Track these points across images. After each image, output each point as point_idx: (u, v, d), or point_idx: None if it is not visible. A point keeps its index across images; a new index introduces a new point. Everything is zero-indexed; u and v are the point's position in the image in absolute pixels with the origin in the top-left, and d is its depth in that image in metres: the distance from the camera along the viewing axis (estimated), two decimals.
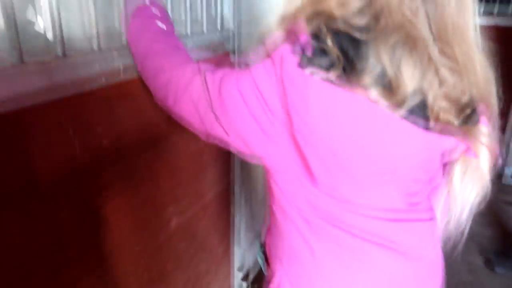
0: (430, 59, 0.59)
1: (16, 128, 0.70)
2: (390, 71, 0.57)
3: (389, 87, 0.58)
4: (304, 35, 0.61)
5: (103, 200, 0.92)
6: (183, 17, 1.20)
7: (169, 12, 1.12)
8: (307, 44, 0.60)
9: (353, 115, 0.61)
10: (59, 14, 0.76)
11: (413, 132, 0.61)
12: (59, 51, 0.77)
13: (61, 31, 0.77)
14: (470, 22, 0.63)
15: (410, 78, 0.58)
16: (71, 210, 0.84)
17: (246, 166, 1.75)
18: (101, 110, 0.88)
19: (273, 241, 0.86)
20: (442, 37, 0.61)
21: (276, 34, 0.66)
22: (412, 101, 0.59)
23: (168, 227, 1.21)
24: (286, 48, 0.62)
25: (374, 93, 0.58)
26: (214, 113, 0.72)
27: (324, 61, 0.59)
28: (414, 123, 0.60)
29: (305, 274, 0.79)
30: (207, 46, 1.29)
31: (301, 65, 0.60)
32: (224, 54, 1.40)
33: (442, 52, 0.60)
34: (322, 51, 0.59)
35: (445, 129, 0.62)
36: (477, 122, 0.65)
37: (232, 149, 0.77)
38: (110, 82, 0.89)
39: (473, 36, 0.64)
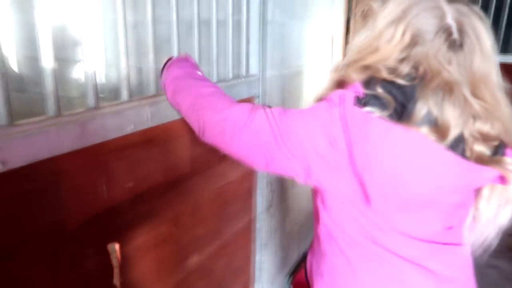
0: (465, 99, 0.70)
1: (51, 173, 0.76)
2: (435, 111, 0.69)
3: (435, 124, 0.69)
4: (356, 84, 0.74)
5: (125, 239, 0.97)
6: (211, 60, 1.27)
7: (198, 57, 1.18)
8: (359, 91, 0.73)
9: (408, 148, 0.71)
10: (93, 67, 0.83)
11: (457, 161, 0.71)
12: (92, 102, 0.84)
13: (96, 83, 0.84)
14: (492, 69, 0.75)
15: (452, 116, 0.69)
16: (95, 249, 0.88)
17: (272, 202, 1.76)
18: (127, 155, 0.94)
19: (315, 259, 0.94)
20: (472, 82, 0.73)
21: (330, 83, 0.80)
22: (453, 135, 0.69)
23: (186, 265, 1.24)
24: (343, 91, 0.74)
25: (424, 129, 0.69)
26: (280, 144, 0.77)
27: (378, 103, 0.71)
28: (456, 153, 0.70)
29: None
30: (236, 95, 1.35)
31: (358, 105, 0.71)
32: (249, 99, 1.46)
33: (473, 93, 0.72)
34: (374, 96, 0.71)
35: (479, 159, 0.71)
36: (503, 153, 0.73)
37: (288, 176, 0.82)
38: (137, 129, 0.95)
39: (495, 80, 0.75)
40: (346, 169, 0.75)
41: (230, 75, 1.36)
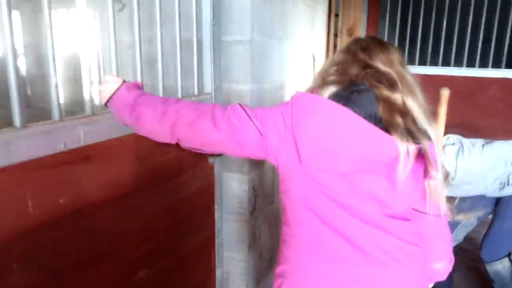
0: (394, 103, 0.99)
1: None
2: (371, 108, 0.97)
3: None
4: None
5: (58, 254, 0.97)
6: (160, 83, 1.29)
7: (144, 78, 1.21)
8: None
9: (331, 114, 0.95)
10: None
11: (372, 130, 0.93)
12: (18, 123, 0.86)
13: (22, 103, 0.86)
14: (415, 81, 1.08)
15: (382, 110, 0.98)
16: (20, 264, 0.89)
17: (256, 205, 1.78)
18: (60, 173, 0.95)
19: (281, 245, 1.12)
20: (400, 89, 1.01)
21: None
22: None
23: (134, 280, 1.24)
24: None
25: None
26: (253, 122, 1.02)
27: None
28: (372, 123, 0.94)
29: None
30: None
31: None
32: None
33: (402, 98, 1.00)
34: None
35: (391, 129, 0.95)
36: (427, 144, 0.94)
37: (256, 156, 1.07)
38: (70, 148, 0.96)
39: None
40: (289, 138, 0.98)
41: (179, 94, 1.38)
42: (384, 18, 4.09)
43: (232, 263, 2.31)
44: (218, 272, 1.71)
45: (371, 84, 1.03)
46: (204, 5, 1.45)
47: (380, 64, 1.07)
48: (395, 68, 1.08)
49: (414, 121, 1.00)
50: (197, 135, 1.05)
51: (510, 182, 2.17)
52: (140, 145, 1.19)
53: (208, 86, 1.51)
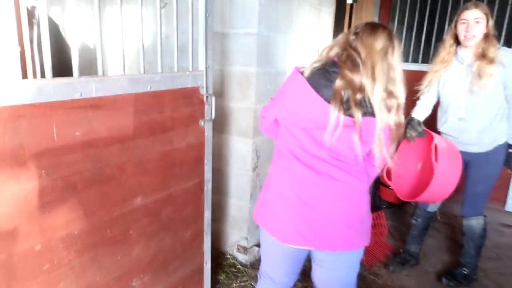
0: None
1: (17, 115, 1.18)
2: (338, 84, 1.31)
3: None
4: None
5: (73, 172, 1.37)
6: (159, 60, 1.67)
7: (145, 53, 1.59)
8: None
9: (302, 93, 1.37)
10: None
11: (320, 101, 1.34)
12: (49, 75, 1.26)
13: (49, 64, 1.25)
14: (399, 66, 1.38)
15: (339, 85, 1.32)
16: (49, 173, 1.29)
17: (258, 164, 2.14)
18: (76, 113, 1.35)
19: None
20: (361, 71, 1.33)
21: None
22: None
23: (130, 202, 1.63)
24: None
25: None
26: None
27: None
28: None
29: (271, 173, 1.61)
30: (180, 84, 1.74)
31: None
32: (195, 88, 1.83)
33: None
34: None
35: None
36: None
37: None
38: (84, 97, 1.35)
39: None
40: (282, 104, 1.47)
41: (176, 69, 1.75)
42: (394, 20, 4.27)
43: (237, 209, 2.78)
44: (206, 214, 2.08)
45: (340, 65, 1.33)
46: (200, 1, 1.79)
47: (358, 46, 1.31)
48: (370, 53, 1.29)
49: (367, 100, 1.31)
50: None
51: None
52: (138, 102, 1.57)
53: (202, 66, 1.86)
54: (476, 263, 2.69)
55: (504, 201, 3.96)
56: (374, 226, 3.22)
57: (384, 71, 1.29)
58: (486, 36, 2.19)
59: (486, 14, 2.18)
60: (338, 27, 4.49)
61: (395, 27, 4.30)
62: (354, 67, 1.31)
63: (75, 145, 1.37)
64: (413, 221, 2.80)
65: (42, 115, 1.26)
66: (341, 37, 1.43)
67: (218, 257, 2.76)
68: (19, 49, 1.26)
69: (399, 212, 3.76)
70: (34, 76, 1.65)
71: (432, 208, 2.71)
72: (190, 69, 1.83)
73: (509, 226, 3.64)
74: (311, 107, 1.36)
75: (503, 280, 2.75)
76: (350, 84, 1.30)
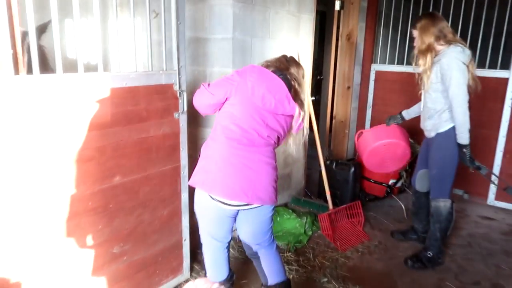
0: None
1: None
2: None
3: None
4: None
5: (67, 161, 1.67)
6: (132, 57, 1.95)
7: (120, 53, 1.88)
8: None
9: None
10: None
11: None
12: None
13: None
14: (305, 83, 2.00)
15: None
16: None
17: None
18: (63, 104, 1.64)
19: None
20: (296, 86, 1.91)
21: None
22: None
23: (110, 180, 1.91)
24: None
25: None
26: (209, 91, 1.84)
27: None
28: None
29: (204, 154, 1.91)
30: (154, 81, 2.02)
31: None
32: (168, 85, 2.11)
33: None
34: None
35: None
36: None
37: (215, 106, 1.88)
38: (69, 91, 1.65)
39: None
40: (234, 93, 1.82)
41: (152, 68, 2.04)
42: (380, 25, 4.48)
43: None
44: (183, 196, 2.35)
45: (289, 78, 1.88)
46: (172, 11, 2.07)
47: (292, 70, 1.92)
48: (299, 77, 1.93)
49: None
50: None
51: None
52: (114, 95, 1.85)
53: (175, 65, 2.14)
54: (441, 247, 2.86)
55: (486, 196, 4.08)
56: (351, 215, 3.43)
57: (304, 84, 1.98)
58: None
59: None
60: (328, 32, 4.70)
61: (381, 32, 4.50)
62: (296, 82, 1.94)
63: (60, 129, 1.67)
64: (412, 199, 3.20)
65: (32, 104, 1.56)
66: (277, 60, 1.97)
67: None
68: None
69: (381, 204, 3.93)
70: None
71: (419, 188, 3.04)
72: (164, 69, 2.11)
73: (487, 218, 3.76)
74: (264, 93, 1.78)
75: (467, 265, 2.90)
76: (294, 90, 1.90)
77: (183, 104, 2.20)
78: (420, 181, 3.00)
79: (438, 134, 2.69)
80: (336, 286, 2.56)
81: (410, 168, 3.88)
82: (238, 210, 1.91)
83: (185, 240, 2.43)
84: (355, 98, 4.70)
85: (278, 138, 1.92)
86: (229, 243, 2.09)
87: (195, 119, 2.90)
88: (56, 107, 1.63)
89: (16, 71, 1.55)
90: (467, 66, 2.52)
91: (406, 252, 3.05)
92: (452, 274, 2.78)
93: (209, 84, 1.85)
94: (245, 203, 1.83)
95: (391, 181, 3.92)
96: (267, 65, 1.94)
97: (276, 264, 2.06)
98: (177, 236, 2.38)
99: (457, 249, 3.13)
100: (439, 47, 2.61)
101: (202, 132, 2.97)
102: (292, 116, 1.89)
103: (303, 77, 1.95)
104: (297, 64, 1.96)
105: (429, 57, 2.58)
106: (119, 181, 1.96)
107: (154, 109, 2.07)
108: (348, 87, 4.57)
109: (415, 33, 2.68)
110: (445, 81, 2.55)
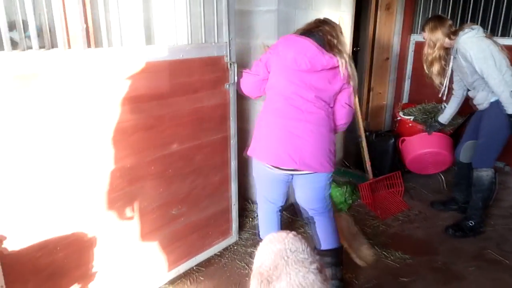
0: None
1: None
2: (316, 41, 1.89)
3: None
4: None
5: (127, 125, 1.80)
6: (185, 30, 2.04)
7: (177, 27, 1.97)
8: None
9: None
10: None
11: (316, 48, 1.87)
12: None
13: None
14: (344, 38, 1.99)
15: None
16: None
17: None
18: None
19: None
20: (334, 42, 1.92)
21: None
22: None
23: (168, 147, 2.04)
24: None
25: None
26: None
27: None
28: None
29: (257, 125, 2.05)
30: (207, 54, 2.11)
31: None
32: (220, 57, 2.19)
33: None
34: None
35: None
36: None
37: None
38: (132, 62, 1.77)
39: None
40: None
41: (204, 40, 2.12)
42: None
43: None
44: (232, 164, 2.47)
45: (321, 34, 1.90)
46: None
47: (323, 27, 1.95)
48: (335, 32, 1.94)
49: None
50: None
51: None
52: (172, 67, 1.96)
53: (225, 38, 2.22)
54: (482, 216, 2.88)
55: None
56: (390, 185, 3.47)
57: (343, 40, 1.98)
58: None
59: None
60: (366, 2, 4.62)
61: (421, 1, 4.39)
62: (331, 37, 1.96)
63: (125, 99, 1.80)
64: (454, 170, 3.29)
65: (101, 76, 1.68)
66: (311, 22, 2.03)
67: (248, 204, 3.17)
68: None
69: (419, 175, 3.94)
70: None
71: (463, 159, 3.04)
72: (216, 41, 2.19)
73: None
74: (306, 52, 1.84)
75: (509, 234, 2.90)
76: (329, 42, 1.93)
77: (233, 76, 2.29)
78: (465, 152, 3.00)
79: (491, 104, 2.69)
80: (378, 251, 2.64)
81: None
82: (292, 175, 2.01)
83: (233, 205, 2.57)
84: (393, 70, 4.64)
85: (330, 98, 1.94)
86: (282, 206, 2.20)
87: None
88: (120, 79, 1.75)
89: (88, 44, 1.67)
90: (484, 38, 2.61)
91: (446, 221, 3.08)
92: (493, 243, 2.80)
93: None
94: (293, 169, 1.93)
95: None
96: (297, 30, 2.03)
97: (330, 231, 2.12)
98: (227, 201, 2.52)
99: (499, 219, 3.13)
100: (451, 41, 2.74)
101: (250, 103, 3.06)
102: (335, 68, 1.89)
103: (340, 32, 1.97)
104: (331, 23, 1.99)
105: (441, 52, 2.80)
106: (176, 148, 2.09)
107: (206, 80, 2.16)
108: (387, 58, 4.51)
109: (425, 35, 2.84)
110: (471, 63, 2.62)
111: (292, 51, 1.84)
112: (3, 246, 1.50)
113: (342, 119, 2.03)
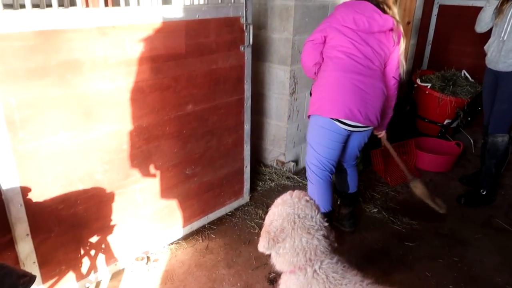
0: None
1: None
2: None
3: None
4: None
5: (144, 85, 1.83)
6: None
7: None
8: None
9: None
10: None
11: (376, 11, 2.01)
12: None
13: None
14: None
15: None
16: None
17: (295, 89, 2.54)
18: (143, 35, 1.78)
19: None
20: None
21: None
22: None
23: (184, 107, 2.08)
24: None
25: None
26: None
27: None
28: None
29: (316, 88, 2.13)
30: (223, 14, 2.09)
31: None
32: (236, 18, 2.17)
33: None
34: None
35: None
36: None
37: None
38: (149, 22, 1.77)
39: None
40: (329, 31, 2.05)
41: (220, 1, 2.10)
42: None
43: (276, 128, 3.20)
44: (246, 126, 2.50)
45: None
46: None
47: None
48: None
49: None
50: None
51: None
52: (188, 27, 1.96)
53: None
54: (494, 184, 2.89)
55: None
56: (403, 153, 3.48)
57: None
58: None
59: None
60: None
61: None
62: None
63: (142, 59, 1.82)
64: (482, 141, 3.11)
65: (118, 35, 1.70)
66: None
67: (260, 167, 3.24)
68: None
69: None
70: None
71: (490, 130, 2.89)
72: (232, 1, 2.16)
73: None
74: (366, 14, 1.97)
75: None
76: (387, 4, 2.04)
77: (249, 37, 2.27)
78: None
79: None
80: (386, 216, 2.71)
81: (468, 108, 3.79)
82: (351, 133, 2.12)
83: (246, 167, 2.63)
84: (414, 34, 4.51)
85: (383, 59, 2.07)
86: (332, 174, 2.24)
87: (259, 53, 2.97)
88: (137, 38, 1.77)
89: (105, 3, 1.68)
90: None
91: (457, 190, 3.11)
92: (502, 211, 2.84)
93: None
94: (360, 125, 2.06)
95: (446, 121, 3.87)
96: None
97: (356, 178, 2.46)
98: (240, 163, 2.58)
99: (510, 189, 3.14)
100: None
101: (265, 67, 3.05)
102: (390, 31, 2.01)
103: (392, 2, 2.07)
104: None
105: None
106: (192, 109, 2.13)
107: (222, 41, 2.16)
108: (408, 22, 4.37)
109: None
110: None
111: (351, 12, 1.97)
112: (28, 197, 1.59)
113: (391, 89, 2.19)
